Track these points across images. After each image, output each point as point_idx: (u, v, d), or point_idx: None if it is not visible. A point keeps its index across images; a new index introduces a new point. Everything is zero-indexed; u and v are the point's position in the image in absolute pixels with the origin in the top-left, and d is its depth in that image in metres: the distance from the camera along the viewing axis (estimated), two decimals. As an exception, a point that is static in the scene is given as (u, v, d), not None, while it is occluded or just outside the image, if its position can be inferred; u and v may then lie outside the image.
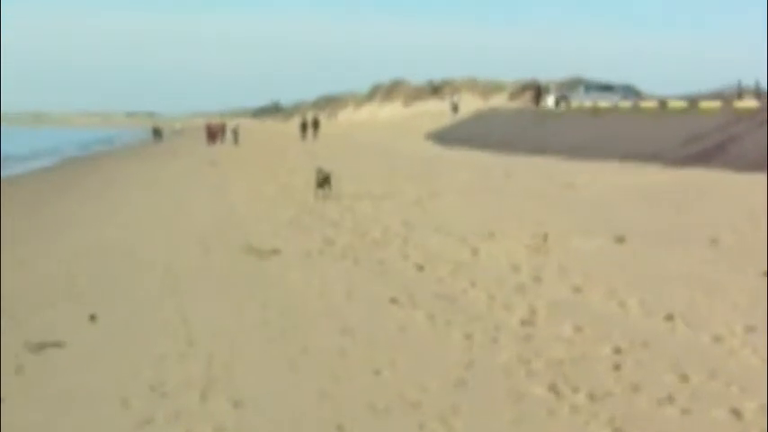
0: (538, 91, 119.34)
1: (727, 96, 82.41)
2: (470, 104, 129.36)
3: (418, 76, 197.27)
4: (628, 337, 12.90)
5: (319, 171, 32.27)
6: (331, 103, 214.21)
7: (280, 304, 15.73)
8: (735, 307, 14.59)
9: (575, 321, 13.84)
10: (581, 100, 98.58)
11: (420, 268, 18.77)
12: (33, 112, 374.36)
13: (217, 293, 16.76)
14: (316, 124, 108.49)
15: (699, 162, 51.44)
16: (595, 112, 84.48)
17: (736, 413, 9.67)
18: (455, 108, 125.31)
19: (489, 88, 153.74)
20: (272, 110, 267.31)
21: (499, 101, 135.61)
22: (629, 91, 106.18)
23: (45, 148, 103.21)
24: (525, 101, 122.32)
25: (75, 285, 17.65)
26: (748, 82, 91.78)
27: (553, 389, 10.59)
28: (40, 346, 12.91)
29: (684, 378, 10.94)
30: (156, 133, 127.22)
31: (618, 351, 12.17)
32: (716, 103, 73.79)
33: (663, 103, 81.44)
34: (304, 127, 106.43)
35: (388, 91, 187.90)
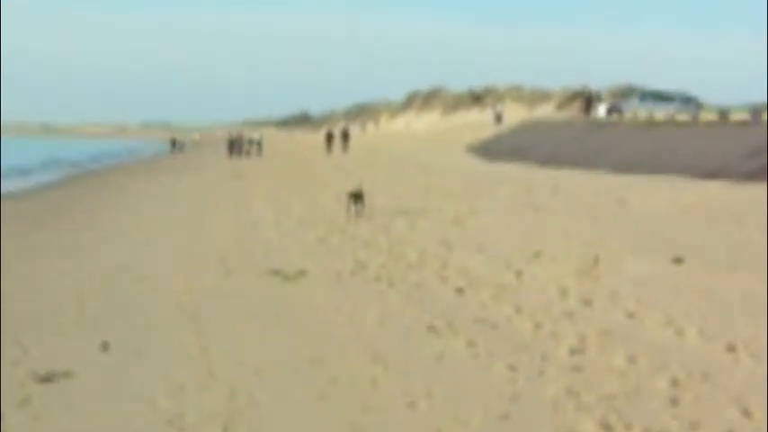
0: (588, 100, 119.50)
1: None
2: (514, 114, 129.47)
3: (458, 83, 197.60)
4: (686, 368, 12.87)
5: (352, 188, 32.29)
6: (364, 112, 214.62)
7: (307, 331, 15.76)
8: (803, 336, 14.54)
9: (628, 351, 13.81)
10: (635, 110, 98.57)
11: (460, 292, 18.77)
12: (42, 122, 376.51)
13: (239, 319, 16.80)
14: (345, 136, 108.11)
15: (763, 178, 51.28)
16: (651, 123, 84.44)
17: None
18: (498, 118, 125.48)
19: (535, 97, 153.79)
20: (301, 120, 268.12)
21: (546, 111, 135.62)
22: (689, 100, 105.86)
23: (53, 161, 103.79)
24: (574, 111, 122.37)
25: (85, 310, 17.71)
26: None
27: (605, 425, 10.59)
28: (48, 377, 12.96)
29: (747, 414, 10.91)
30: (175, 145, 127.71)
31: (675, 384, 12.14)
32: (781, 115, 73.70)
33: (724, 114, 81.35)
34: (329, 138, 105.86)
35: (426, 99, 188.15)
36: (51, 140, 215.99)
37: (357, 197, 31.62)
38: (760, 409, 11.05)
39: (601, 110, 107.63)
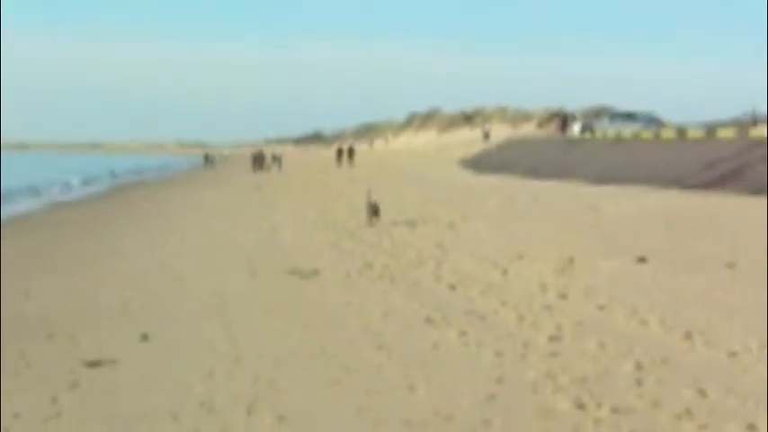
0: (564, 120, 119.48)
1: (743, 124, 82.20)
2: (500, 133, 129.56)
3: (452, 105, 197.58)
4: (649, 354, 12.87)
5: (371, 201, 32.17)
6: (370, 131, 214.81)
7: (321, 323, 15.75)
8: (750, 326, 14.52)
9: (599, 339, 13.82)
10: (605, 128, 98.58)
11: (453, 288, 18.76)
12: (91, 140, 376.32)
13: (262, 313, 16.80)
14: (351, 152, 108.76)
15: (716, 187, 51.25)
16: (619, 140, 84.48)
17: (752, 428, 9.62)
18: (486, 136, 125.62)
19: (518, 117, 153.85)
20: (314, 138, 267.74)
21: (528, 129, 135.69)
22: (651, 119, 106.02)
23: (101, 174, 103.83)
24: (552, 129, 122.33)
25: (128, 307, 17.71)
26: (762, 110, 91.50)
27: (578, 404, 10.57)
28: (95, 363, 12.97)
29: (702, 393, 10.90)
30: (207, 160, 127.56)
31: (639, 367, 12.14)
32: (732, 131, 73.63)
33: (682, 132, 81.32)
34: (339, 154, 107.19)
35: (424, 120, 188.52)
36: (98, 156, 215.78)
37: (374, 209, 31.57)
38: (714, 389, 11.04)
39: (575, 128, 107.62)
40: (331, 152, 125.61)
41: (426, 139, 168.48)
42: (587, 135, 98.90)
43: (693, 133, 79.16)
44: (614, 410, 10.31)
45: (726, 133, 73.64)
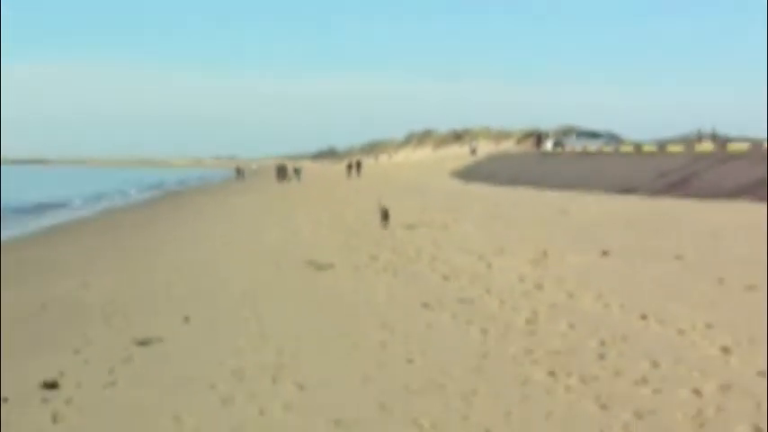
0: (539, 137, 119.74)
1: (689, 141, 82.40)
2: (485, 148, 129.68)
3: (444, 125, 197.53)
4: (610, 332, 12.86)
5: (382, 208, 32.01)
6: (375, 147, 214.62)
7: (334, 307, 15.76)
8: (695, 308, 14.52)
9: (568, 320, 13.80)
10: (573, 145, 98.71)
11: (445, 279, 18.75)
12: (142, 157, 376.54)
13: (285, 299, 16.80)
14: (359, 166, 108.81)
15: (667, 193, 51.30)
16: (585, 154, 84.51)
17: (697, 393, 9.63)
18: (473, 151, 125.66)
19: (500, 135, 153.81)
20: (329, 153, 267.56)
21: (508, 145, 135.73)
22: (612, 137, 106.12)
23: (151, 184, 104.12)
24: (529, 145, 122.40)
25: (172, 293, 17.74)
26: (706, 129, 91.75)
27: (551, 374, 10.58)
28: (145, 341, 12.99)
29: (656, 364, 10.90)
30: (239, 173, 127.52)
31: (603, 343, 12.13)
32: (680, 147, 73.77)
33: (638, 147, 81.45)
34: (349, 167, 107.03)
35: (421, 138, 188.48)
36: (148, 170, 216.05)
37: (385, 214, 31.44)
38: (665, 361, 11.04)
39: (548, 144, 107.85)
40: (342, 166, 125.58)
41: (423, 154, 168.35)
42: (558, 150, 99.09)
43: (648, 148, 79.41)
44: (582, 379, 10.31)
45: (675, 148, 73.95)
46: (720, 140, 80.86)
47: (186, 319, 14.73)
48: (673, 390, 9.78)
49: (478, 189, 65.65)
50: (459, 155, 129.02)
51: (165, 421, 9.04)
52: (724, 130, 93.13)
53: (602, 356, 11.43)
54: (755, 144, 71.23)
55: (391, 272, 20.07)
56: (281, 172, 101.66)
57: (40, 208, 57.03)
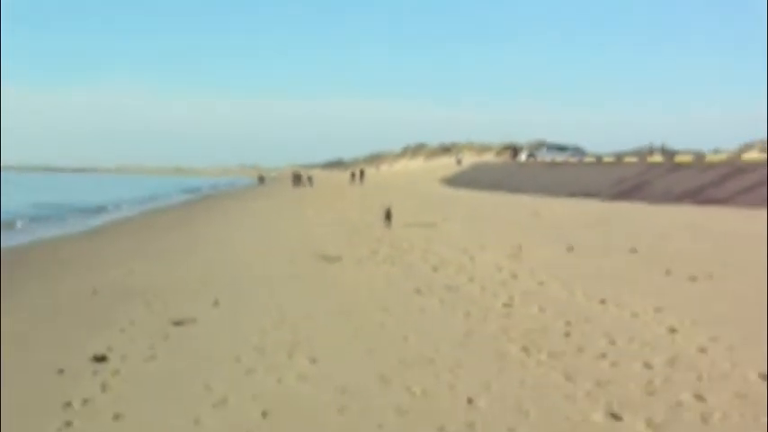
0: (514, 150, 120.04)
1: (642, 153, 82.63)
2: (469, 159, 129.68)
3: (434, 140, 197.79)
4: (575, 314, 12.88)
5: (386, 210, 31.90)
6: (376, 158, 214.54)
7: (341, 293, 15.77)
8: (647, 294, 14.55)
9: (539, 304, 13.82)
10: (544, 156, 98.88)
11: (435, 269, 18.76)
12: (175, 166, 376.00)
13: (299, 286, 16.80)
14: (362, 174, 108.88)
15: (623, 197, 51.38)
16: (554, 164, 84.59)
17: (648, 366, 9.65)
18: (459, 162, 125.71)
19: (482, 148, 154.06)
20: (337, 163, 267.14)
21: (488, 157, 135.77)
22: (577, 150, 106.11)
23: (186, 189, 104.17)
24: (506, 157, 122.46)
25: (204, 282, 17.73)
26: (657, 143, 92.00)
27: (524, 350, 10.59)
28: (180, 322, 12.99)
29: (613, 342, 10.92)
30: (261, 180, 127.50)
31: (568, 324, 12.15)
32: (635, 158, 73.96)
33: (599, 159, 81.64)
34: (353, 175, 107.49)
35: (415, 150, 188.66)
36: (181, 178, 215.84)
37: (388, 215, 31.35)
38: (621, 339, 11.07)
39: (523, 156, 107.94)
40: (347, 175, 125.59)
41: (416, 164, 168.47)
42: (531, 161, 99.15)
43: (607, 159, 79.68)
44: (550, 354, 10.33)
45: (630, 159, 74.28)
46: (668, 153, 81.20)
47: (215, 302, 14.75)
48: (627, 363, 9.80)
49: (463, 194, 65.68)
50: (447, 165, 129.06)
51: (197, 389, 9.06)
52: (671, 144, 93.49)
53: (567, 335, 11.45)
54: (698, 156, 71.54)
55: (389, 263, 20.09)
56: (297, 179, 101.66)
57: (96, 209, 57.33)
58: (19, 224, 40.86)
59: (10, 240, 31.39)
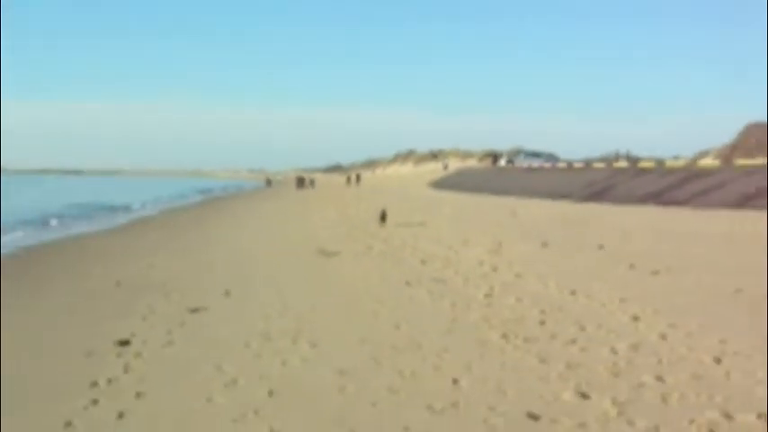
0: (495, 156, 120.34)
1: (609, 159, 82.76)
2: (454, 165, 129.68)
3: (423, 147, 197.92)
4: (549, 304, 12.89)
5: (382, 211, 31.70)
6: (371, 163, 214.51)
7: (339, 285, 15.76)
8: (613, 286, 14.56)
9: (516, 295, 13.83)
10: (521, 162, 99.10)
11: (423, 263, 18.76)
12: (192, 169, 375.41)
13: (302, 279, 16.79)
14: (358, 177, 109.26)
15: (592, 199, 51.45)
16: (530, 169, 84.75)
17: (614, 350, 9.66)
18: (445, 167, 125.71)
19: (466, 154, 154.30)
20: (336, 168, 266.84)
21: (472, 162, 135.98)
22: (551, 156, 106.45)
23: (200, 190, 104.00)
24: (488, 163, 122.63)
25: (217, 274, 17.72)
26: (622, 151, 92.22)
27: (503, 336, 10.59)
28: (195, 309, 12.99)
29: (583, 328, 10.93)
30: (268, 182, 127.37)
31: (543, 313, 12.16)
32: (602, 164, 74.07)
33: (570, 164, 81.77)
34: (349, 179, 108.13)
35: (405, 157, 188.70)
36: (197, 179, 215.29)
37: (383, 216, 31.18)
38: (590, 326, 11.08)
39: (502, 162, 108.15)
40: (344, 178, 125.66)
41: (407, 169, 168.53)
42: (510, 166, 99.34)
43: (577, 165, 79.74)
44: (526, 340, 10.34)
45: (598, 165, 74.34)
46: (632, 159, 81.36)
47: (227, 293, 14.73)
48: (595, 348, 9.81)
49: (449, 196, 65.71)
50: (434, 170, 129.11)
51: (209, 371, 9.05)
52: (635, 151, 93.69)
53: (542, 323, 11.45)
54: (659, 162, 71.63)
55: (382, 258, 20.08)
56: (300, 182, 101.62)
57: (121, 208, 57.35)
58: (53, 222, 40.95)
59: (44, 236, 31.53)
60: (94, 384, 8.62)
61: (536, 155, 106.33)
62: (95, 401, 8.01)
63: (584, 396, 7.85)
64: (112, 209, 57.18)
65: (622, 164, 74.15)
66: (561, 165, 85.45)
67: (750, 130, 77.18)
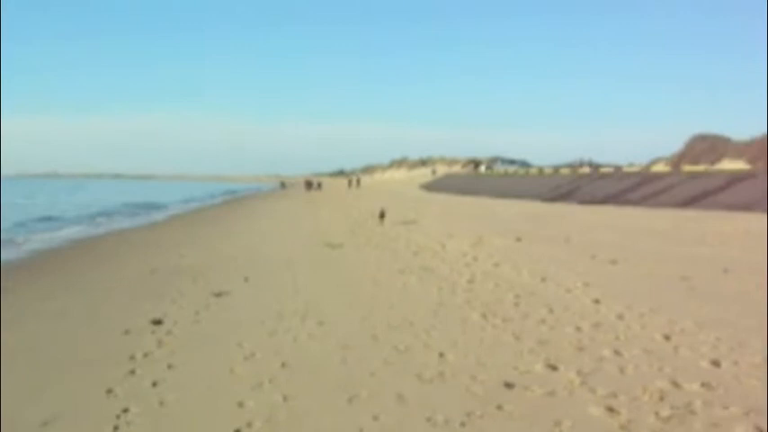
0: (476, 163, 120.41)
1: (574, 166, 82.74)
2: (441, 170, 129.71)
3: (415, 154, 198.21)
4: (522, 289, 12.87)
5: (381, 210, 31.49)
6: (370, 169, 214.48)
7: (342, 272, 15.73)
8: (578, 274, 14.56)
9: (494, 281, 13.81)
10: (499, 168, 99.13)
11: (415, 254, 18.73)
12: (217, 174, 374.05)
13: (310, 266, 16.76)
14: (358, 181, 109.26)
15: (560, 200, 51.48)
16: (506, 174, 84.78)
17: (578, 329, 9.65)
18: (434, 172, 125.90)
19: (451, 161, 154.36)
20: (339, 172, 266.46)
21: (456, 168, 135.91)
22: (524, 163, 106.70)
23: (223, 192, 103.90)
24: (470, 169, 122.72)
25: (237, 263, 17.68)
26: (585, 158, 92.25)
27: (483, 316, 10.58)
28: (218, 294, 12.96)
29: (551, 311, 10.92)
30: (282, 185, 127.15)
31: (517, 297, 12.14)
32: (568, 170, 74.07)
33: (540, 170, 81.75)
34: (350, 182, 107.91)
35: (399, 163, 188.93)
36: (222, 184, 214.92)
37: (382, 214, 30.96)
38: (558, 309, 11.06)
39: (482, 168, 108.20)
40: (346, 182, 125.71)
41: (400, 173, 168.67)
42: (489, 171, 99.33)
43: (547, 170, 79.74)
44: (503, 319, 10.32)
45: (565, 171, 74.30)
46: (594, 166, 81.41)
47: (246, 279, 14.70)
48: (562, 327, 9.80)
49: (436, 197, 65.70)
50: (424, 174, 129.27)
51: (231, 346, 9.03)
52: (596, 159, 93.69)
53: (516, 305, 11.44)
54: (617, 168, 71.73)
55: (380, 249, 20.05)
56: (308, 185, 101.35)
57: (157, 207, 57.58)
58: (100, 219, 41.19)
59: (92, 231, 31.72)
60: (132, 357, 8.60)
61: (511, 162, 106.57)
62: (133, 372, 8.00)
63: (553, 368, 7.84)
64: (150, 207, 57.38)
65: (585, 169, 74.35)
66: (533, 170, 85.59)
67: (695, 140, 77.26)
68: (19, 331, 10.30)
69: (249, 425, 6.25)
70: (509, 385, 7.24)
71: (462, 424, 6.18)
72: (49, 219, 40.12)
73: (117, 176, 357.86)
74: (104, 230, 32.22)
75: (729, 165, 61.56)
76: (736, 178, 43.35)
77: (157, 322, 10.53)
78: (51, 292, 14.09)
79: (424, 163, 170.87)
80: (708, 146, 72.38)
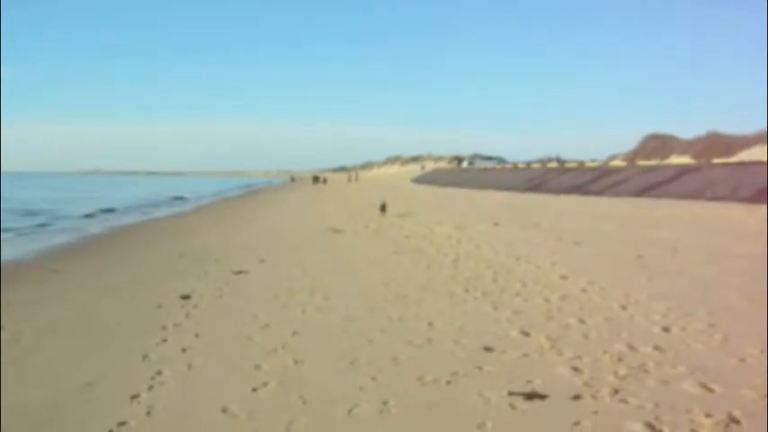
0: (459, 160, 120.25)
1: (544, 161, 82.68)
2: (429, 166, 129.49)
3: (407, 153, 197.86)
4: (499, 267, 12.87)
5: (382, 203, 30.96)
6: (368, 165, 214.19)
7: (344, 255, 15.70)
8: (548, 253, 14.56)
9: (475, 261, 13.80)
10: (479, 164, 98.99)
11: (407, 238, 18.71)
12: (236, 169, 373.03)
13: (316, 249, 16.73)
14: (356, 176, 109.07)
15: (532, 191, 51.48)
16: (486, 169, 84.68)
17: (548, 300, 9.65)
18: (423, 168, 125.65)
19: (438, 158, 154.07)
20: (342, 168, 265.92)
21: (442, 164, 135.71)
22: (501, 160, 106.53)
23: (240, 185, 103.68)
24: (454, 165, 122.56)
25: (254, 246, 17.63)
26: (553, 155, 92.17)
27: (466, 290, 10.57)
28: (238, 272, 12.93)
29: (524, 284, 10.92)
30: (292, 179, 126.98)
31: (495, 273, 12.14)
32: (539, 164, 74.00)
33: (515, 165, 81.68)
34: (349, 178, 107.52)
35: (393, 160, 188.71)
36: (241, 178, 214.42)
37: (383, 207, 30.35)
38: (530, 283, 11.06)
39: (465, 164, 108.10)
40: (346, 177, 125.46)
41: (394, 169, 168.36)
42: (470, 167, 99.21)
43: (520, 165, 79.70)
44: (483, 293, 10.32)
45: (536, 165, 74.23)
46: (561, 161, 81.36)
47: (261, 260, 14.67)
48: (534, 299, 9.81)
49: (425, 189, 65.63)
50: (414, 170, 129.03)
51: (248, 318, 9.02)
52: (563, 155, 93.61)
53: (494, 280, 11.44)
54: (580, 163, 71.66)
55: (377, 234, 20.03)
56: (315, 179, 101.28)
57: (183, 199, 57.70)
58: (146, 209, 41.27)
59: (129, 219, 31.68)
60: (164, 327, 8.59)
61: (489, 158, 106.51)
62: (165, 340, 7.99)
63: (526, 334, 7.85)
64: (179, 199, 57.44)
65: (553, 165, 74.21)
66: (508, 166, 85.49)
67: (648, 139, 77.23)
68: (70, 305, 10.30)
69: (265, 384, 6.25)
70: (488, 349, 7.25)
71: (448, 382, 6.20)
72: (110, 210, 40.04)
73: (150, 173, 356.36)
74: (140, 219, 32.28)
75: (677, 160, 61.56)
76: (683, 171, 43.43)
77: (186, 297, 10.52)
78: (97, 271, 14.06)
79: (415, 160, 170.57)
80: (659, 143, 72.34)
